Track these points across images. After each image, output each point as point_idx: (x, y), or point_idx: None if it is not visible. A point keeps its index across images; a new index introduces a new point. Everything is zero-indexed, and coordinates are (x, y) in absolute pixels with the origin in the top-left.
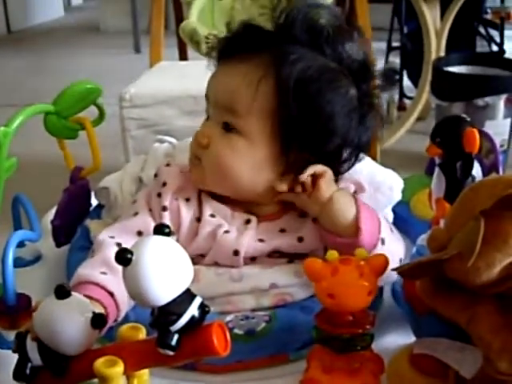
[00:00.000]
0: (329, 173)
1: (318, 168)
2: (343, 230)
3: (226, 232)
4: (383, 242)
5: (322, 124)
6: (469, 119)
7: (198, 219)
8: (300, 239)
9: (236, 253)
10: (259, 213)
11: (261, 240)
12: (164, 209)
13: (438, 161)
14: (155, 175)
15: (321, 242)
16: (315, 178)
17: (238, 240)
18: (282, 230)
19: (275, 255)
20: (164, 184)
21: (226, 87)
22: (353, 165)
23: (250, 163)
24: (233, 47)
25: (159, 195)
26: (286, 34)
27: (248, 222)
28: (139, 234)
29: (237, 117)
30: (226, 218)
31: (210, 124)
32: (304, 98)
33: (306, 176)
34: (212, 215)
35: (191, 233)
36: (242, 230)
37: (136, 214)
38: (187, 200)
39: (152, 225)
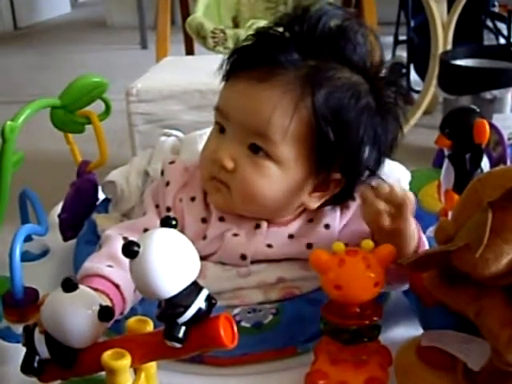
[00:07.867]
0: (413, 200)
1: (405, 195)
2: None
3: (235, 235)
4: None
5: (359, 148)
6: (478, 110)
7: (204, 220)
8: (309, 246)
9: (243, 257)
10: (269, 218)
11: (269, 245)
12: (168, 209)
13: (446, 152)
14: (162, 172)
15: None
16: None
17: (246, 245)
18: (291, 236)
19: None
20: (167, 184)
21: (255, 109)
22: (377, 170)
23: (283, 189)
24: (253, 60)
25: (164, 194)
26: (311, 45)
27: (258, 226)
28: (146, 231)
29: (269, 143)
30: (235, 220)
31: (233, 144)
32: (342, 126)
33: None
34: (221, 218)
35: (197, 234)
36: (250, 234)
37: (144, 213)
38: (192, 199)
39: (158, 222)
